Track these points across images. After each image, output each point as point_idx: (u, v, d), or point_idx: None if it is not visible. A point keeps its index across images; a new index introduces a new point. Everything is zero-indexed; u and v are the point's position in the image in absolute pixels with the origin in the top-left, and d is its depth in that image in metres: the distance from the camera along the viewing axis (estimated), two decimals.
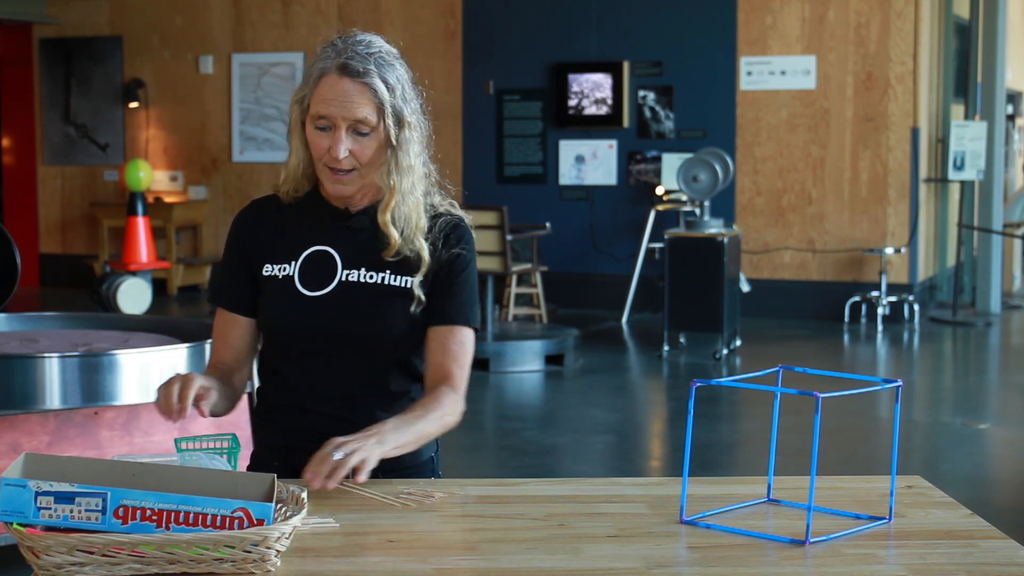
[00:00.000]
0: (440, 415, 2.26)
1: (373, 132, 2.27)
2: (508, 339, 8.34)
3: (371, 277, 2.33)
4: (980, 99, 10.80)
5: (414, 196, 2.33)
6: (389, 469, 2.21)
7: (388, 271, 2.33)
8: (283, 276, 2.34)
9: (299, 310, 2.32)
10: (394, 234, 2.32)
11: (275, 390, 2.39)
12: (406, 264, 2.34)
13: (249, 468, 2.43)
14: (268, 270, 2.36)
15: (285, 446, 2.36)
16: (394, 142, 2.29)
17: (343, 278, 2.33)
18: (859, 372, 8.69)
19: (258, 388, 2.46)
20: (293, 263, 2.35)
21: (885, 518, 2.05)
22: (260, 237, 2.39)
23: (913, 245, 10.18)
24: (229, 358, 2.40)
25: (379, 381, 2.35)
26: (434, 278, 2.35)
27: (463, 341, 2.36)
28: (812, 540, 1.92)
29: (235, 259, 2.40)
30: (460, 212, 2.42)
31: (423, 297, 2.34)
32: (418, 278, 2.33)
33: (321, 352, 2.33)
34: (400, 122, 2.29)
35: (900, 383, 2.06)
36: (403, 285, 2.33)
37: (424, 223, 2.35)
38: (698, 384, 1.98)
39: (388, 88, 2.26)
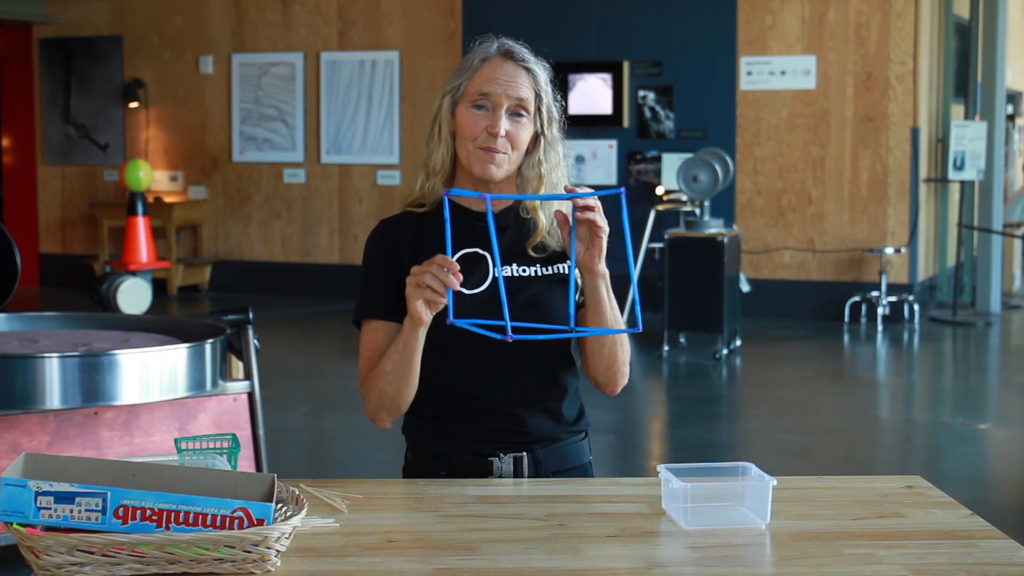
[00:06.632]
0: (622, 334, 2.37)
1: (528, 119, 2.34)
2: None
3: (523, 271, 2.37)
4: (980, 99, 10.80)
5: (561, 190, 2.39)
6: (559, 470, 2.37)
7: (538, 264, 2.39)
8: None
9: (467, 309, 2.29)
10: (542, 220, 2.38)
11: (441, 398, 2.36)
12: (553, 257, 2.40)
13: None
14: None
15: (453, 452, 2.35)
16: (546, 135, 2.38)
17: (496, 275, 2.33)
18: (859, 373, 8.71)
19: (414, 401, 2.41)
20: None
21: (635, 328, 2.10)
22: (403, 251, 2.36)
23: (913, 245, 10.18)
24: None
25: (547, 373, 2.39)
26: None
27: None
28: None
29: (382, 272, 2.35)
30: None
31: (581, 284, 2.38)
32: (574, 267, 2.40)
33: (491, 347, 2.29)
34: (550, 118, 2.38)
35: (623, 190, 2.10)
36: (557, 273, 2.39)
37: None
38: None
39: (544, 80, 2.37)
